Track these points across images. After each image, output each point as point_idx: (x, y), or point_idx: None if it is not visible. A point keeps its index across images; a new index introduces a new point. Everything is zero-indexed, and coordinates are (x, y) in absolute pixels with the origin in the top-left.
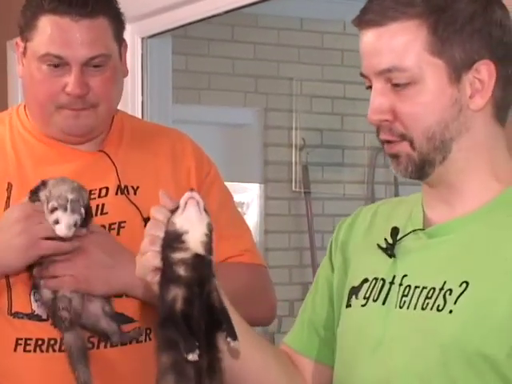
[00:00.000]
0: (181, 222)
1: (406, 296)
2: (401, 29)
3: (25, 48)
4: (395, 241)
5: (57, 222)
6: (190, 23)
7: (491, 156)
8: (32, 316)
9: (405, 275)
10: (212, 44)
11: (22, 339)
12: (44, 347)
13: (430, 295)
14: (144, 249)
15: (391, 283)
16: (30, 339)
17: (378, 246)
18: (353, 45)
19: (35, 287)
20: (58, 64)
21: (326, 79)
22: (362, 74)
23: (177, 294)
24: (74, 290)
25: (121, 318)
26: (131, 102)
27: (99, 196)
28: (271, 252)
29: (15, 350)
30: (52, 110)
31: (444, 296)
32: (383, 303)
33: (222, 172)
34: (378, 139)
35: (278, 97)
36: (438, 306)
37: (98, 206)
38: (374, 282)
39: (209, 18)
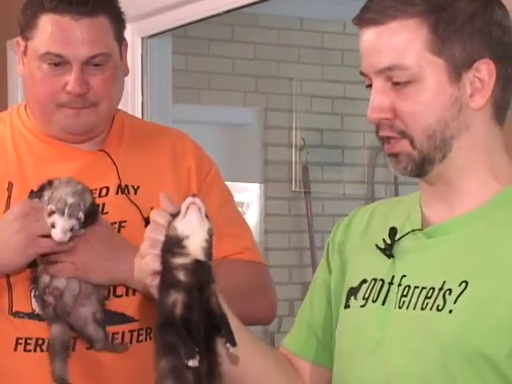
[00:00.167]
0: (182, 226)
1: (406, 296)
2: (401, 27)
3: (25, 47)
4: (393, 241)
5: (53, 225)
6: (190, 23)
7: (490, 156)
8: (32, 315)
9: (404, 275)
10: (212, 44)
11: (22, 339)
12: (44, 347)
13: (429, 295)
14: (143, 252)
15: (390, 284)
16: (31, 339)
17: (377, 246)
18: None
19: (35, 281)
20: (59, 63)
21: (326, 79)
22: (361, 73)
23: (176, 298)
24: (73, 276)
25: (121, 318)
26: (131, 101)
27: (100, 195)
28: (271, 252)
29: (15, 349)
30: (52, 109)
31: (444, 296)
32: (383, 304)
33: (222, 172)
34: (377, 137)
35: (278, 97)
36: (438, 305)
37: (98, 205)
38: (372, 282)
39: (209, 17)
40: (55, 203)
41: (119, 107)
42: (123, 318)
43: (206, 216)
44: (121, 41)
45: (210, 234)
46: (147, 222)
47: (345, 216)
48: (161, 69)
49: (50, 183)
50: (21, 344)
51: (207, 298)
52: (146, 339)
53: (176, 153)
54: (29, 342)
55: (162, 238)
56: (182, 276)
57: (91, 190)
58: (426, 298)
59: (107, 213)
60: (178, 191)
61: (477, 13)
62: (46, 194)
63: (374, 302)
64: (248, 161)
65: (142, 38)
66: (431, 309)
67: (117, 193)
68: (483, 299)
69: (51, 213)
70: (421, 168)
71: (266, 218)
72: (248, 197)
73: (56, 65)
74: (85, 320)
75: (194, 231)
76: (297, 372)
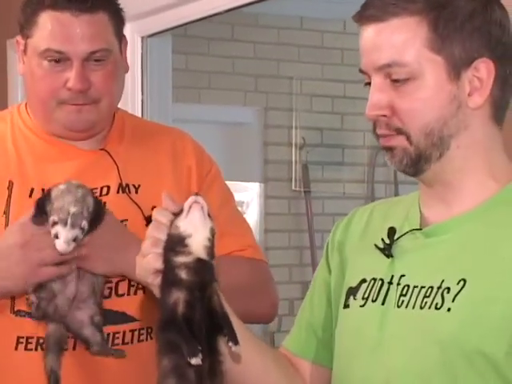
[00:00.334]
0: (184, 225)
1: (405, 296)
2: (401, 24)
3: (25, 45)
4: (392, 241)
5: (56, 236)
6: (190, 22)
7: (488, 155)
8: None
9: (403, 275)
10: (212, 43)
11: (23, 337)
12: (44, 346)
13: (428, 294)
14: (145, 250)
15: (390, 283)
16: (32, 338)
17: (376, 246)
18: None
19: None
20: (59, 59)
21: (326, 78)
22: (361, 70)
23: (178, 297)
24: (75, 266)
25: (122, 318)
26: (131, 100)
27: (100, 194)
28: (271, 251)
29: (16, 348)
30: (54, 106)
31: (442, 294)
32: (382, 303)
33: (222, 171)
34: (373, 134)
35: (278, 96)
36: (436, 304)
37: (101, 201)
38: (372, 282)
39: (209, 16)
40: (57, 213)
41: (119, 106)
42: (124, 318)
43: (209, 215)
44: (120, 37)
45: (213, 233)
46: (148, 220)
47: (345, 215)
48: (161, 68)
49: (48, 195)
50: (22, 343)
51: (209, 297)
52: (146, 339)
53: (176, 152)
54: (30, 340)
55: (163, 236)
56: (184, 275)
57: (92, 190)
58: (425, 296)
59: None
60: (178, 190)
61: (476, 11)
62: (48, 208)
63: (373, 301)
64: (248, 160)
65: (142, 37)
66: (430, 307)
67: (118, 192)
68: (481, 297)
69: (54, 223)
70: (417, 164)
71: (265, 217)
72: (248, 196)
73: (56, 61)
74: (81, 323)
75: (196, 230)
76: (297, 372)
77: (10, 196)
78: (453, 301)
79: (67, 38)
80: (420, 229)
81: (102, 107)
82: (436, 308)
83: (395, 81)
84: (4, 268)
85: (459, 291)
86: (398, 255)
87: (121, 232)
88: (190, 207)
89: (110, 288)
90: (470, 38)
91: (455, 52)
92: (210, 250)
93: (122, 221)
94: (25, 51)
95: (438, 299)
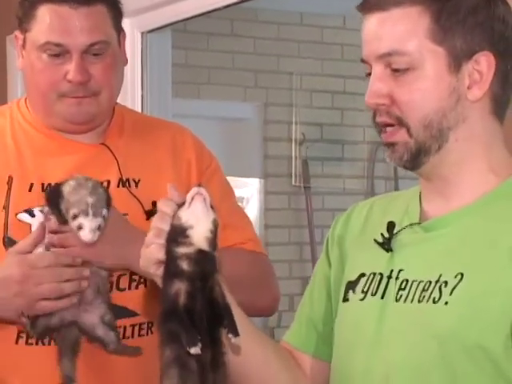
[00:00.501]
0: (186, 216)
1: (404, 290)
2: (403, 14)
3: (24, 39)
4: (391, 235)
5: (80, 227)
6: (190, 17)
7: (488, 149)
8: None
9: (401, 269)
10: (212, 38)
11: (23, 332)
12: (46, 340)
13: (426, 288)
14: (149, 241)
15: (389, 277)
16: None
17: (375, 240)
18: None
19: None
20: (59, 53)
21: (326, 74)
22: (362, 60)
23: (180, 288)
24: (83, 259)
25: (123, 312)
26: (131, 96)
27: None
28: (271, 247)
29: (17, 342)
30: (54, 99)
31: (440, 288)
32: (382, 297)
33: (222, 167)
34: (373, 125)
35: (278, 91)
36: (434, 298)
37: (109, 193)
38: (371, 276)
39: (208, 12)
40: (76, 206)
41: (119, 102)
42: (125, 312)
43: (212, 207)
44: (119, 30)
45: (215, 224)
46: (148, 214)
47: (345, 211)
48: (160, 63)
49: (59, 192)
50: (22, 337)
51: (211, 288)
52: (147, 333)
53: (176, 146)
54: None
55: (167, 227)
56: (185, 265)
57: (101, 183)
58: (423, 290)
59: None
60: (178, 184)
61: (480, 6)
62: (62, 206)
63: (373, 295)
64: (248, 156)
65: (142, 33)
66: (427, 301)
67: (118, 186)
68: (479, 291)
69: (75, 216)
70: (416, 158)
71: (265, 212)
72: (248, 192)
73: (56, 55)
74: (92, 325)
75: (198, 221)
76: (298, 364)
77: (9, 191)
78: (450, 294)
79: (66, 30)
80: (419, 223)
81: (102, 99)
82: (434, 302)
83: (395, 70)
84: (2, 297)
85: (456, 285)
86: (397, 249)
87: (125, 225)
88: (193, 198)
89: (111, 282)
90: (471, 32)
91: (457, 44)
92: (212, 241)
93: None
94: (24, 45)
95: (436, 293)
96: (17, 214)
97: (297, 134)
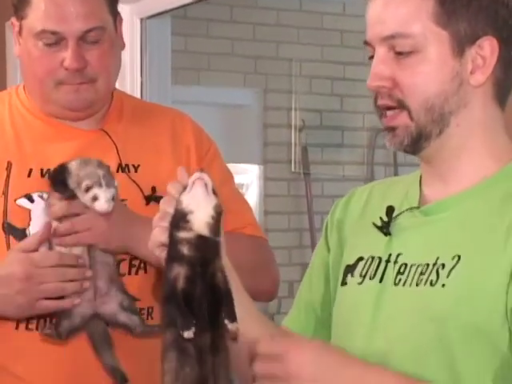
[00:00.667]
0: (187, 201)
1: (402, 274)
2: None
3: (20, 26)
4: (390, 219)
5: (95, 198)
6: (189, 4)
7: (488, 135)
8: None
9: (400, 253)
10: (211, 24)
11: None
12: (46, 326)
13: (423, 271)
14: (154, 223)
15: (387, 261)
16: (33, 318)
17: (374, 224)
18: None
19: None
20: (55, 41)
21: (326, 60)
22: (365, 42)
23: (179, 272)
24: (91, 244)
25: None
26: (130, 82)
27: None
28: (271, 233)
29: (17, 327)
30: (51, 87)
31: (437, 271)
32: (380, 281)
33: (222, 153)
34: (375, 108)
35: (278, 78)
36: (431, 280)
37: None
38: (370, 260)
39: None
40: (88, 178)
41: (118, 88)
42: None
43: (214, 192)
44: (115, 14)
45: (217, 210)
46: (148, 200)
47: (344, 197)
48: (160, 50)
49: (65, 169)
50: (22, 323)
51: (212, 274)
52: (147, 318)
53: (175, 131)
54: (31, 320)
55: (171, 210)
56: (185, 250)
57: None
58: (421, 274)
59: None
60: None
61: None
62: (72, 181)
63: (371, 279)
64: (247, 142)
65: (141, 19)
66: (425, 284)
67: (117, 171)
68: (475, 272)
69: (88, 189)
70: (417, 143)
71: (265, 199)
72: (247, 178)
73: (52, 44)
74: (113, 314)
75: (198, 206)
76: None
77: (8, 177)
78: (447, 277)
79: (61, 17)
80: (418, 207)
81: (100, 86)
82: (431, 285)
83: (399, 53)
84: (4, 294)
85: (453, 267)
86: (396, 233)
87: (125, 209)
88: (194, 183)
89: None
90: (475, 17)
91: (460, 28)
92: (213, 227)
93: (121, 200)
94: (20, 32)
95: (433, 276)
96: (16, 200)
97: (296, 120)
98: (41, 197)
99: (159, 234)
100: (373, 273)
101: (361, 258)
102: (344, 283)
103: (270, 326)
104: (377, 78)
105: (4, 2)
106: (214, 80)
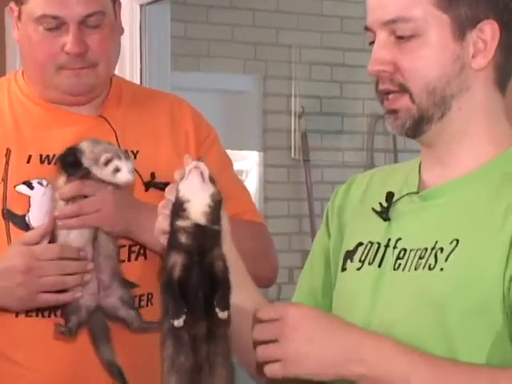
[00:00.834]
0: (183, 190)
1: (401, 259)
2: None
3: (19, 12)
4: (390, 204)
5: (117, 170)
6: None
7: (489, 120)
8: None
9: (399, 238)
10: (211, 11)
11: None
12: (46, 312)
13: (422, 255)
14: (159, 211)
15: (386, 246)
16: (33, 310)
17: (373, 209)
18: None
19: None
20: (56, 26)
21: (326, 46)
22: (366, 28)
23: (176, 260)
24: (98, 226)
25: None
26: (130, 69)
27: None
28: (270, 219)
29: (17, 315)
30: (52, 72)
31: (435, 255)
32: (379, 266)
33: (221, 139)
34: (376, 93)
35: (277, 64)
36: (430, 265)
37: None
38: (369, 245)
39: None
40: (108, 151)
41: (117, 74)
42: (125, 284)
43: (213, 181)
44: None
45: (214, 199)
46: (147, 186)
47: (344, 183)
48: (159, 36)
49: (76, 149)
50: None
51: (210, 263)
52: (147, 305)
53: (174, 116)
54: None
55: (173, 198)
56: (183, 238)
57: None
58: (420, 258)
59: None
60: (176, 155)
61: None
62: (87, 158)
63: (370, 264)
64: (247, 128)
65: (141, 5)
66: (423, 268)
67: None
68: (474, 256)
69: (108, 162)
70: (418, 126)
71: (265, 185)
72: (247, 165)
73: (53, 29)
74: (114, 308)
75: (194, 195)
76: None
77: (7, 163)
78: (445, 261)
79: (62, 1)
80: (417, 192)
81: (100, 70)
82: (429, 269)
83: (400, 38)
84: (5, 286)
85: (452, 251)
86: (395, 218)
87: (127, 192)
88: (190, 172)
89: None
90: (476, 0)
91: (461, 12)
92: (211, 216)
93: None
94: (19, 17)
95: (432, 260)
96: (15, 186)
97: (296, 106)
98: (40, 183)
99: (161, 221)
100: (372, 258)
101: (360, 244)
102: (344, 269)
103: None
104: (378, 63)
105: None
106: (213, 66)
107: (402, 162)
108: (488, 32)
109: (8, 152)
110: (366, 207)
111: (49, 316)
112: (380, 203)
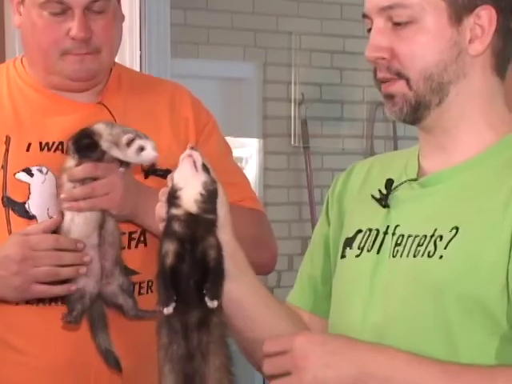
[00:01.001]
0: (177, 178)
1: (400, 245)
2: None
3: None
4: (389, 191)
5: (141, 149)
6: None
7: (487, 106)
8: None
9: (398, 225)
10: None
11: None
12: (46, 300)
13: (421, 243)
14: (159, 198)
15: (385, 233)
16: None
17: (372, 196)
18: None
19: None
20: (61, 11)
21: (325, 33)
22: (363, 15)
23: (169, 248)
24: (106, 209)
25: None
26: (129, 56)
27: None
28: (270, 207)
29: (17, 303)
30: (56, 57)
31: (435, 242)
32: (377, 253)
33: (221, 127)
34: (375, 82)
35: (277, 51)
36: (429, 252)
37: None
38: (367, 232)
39: None
40: (128, 132)
41: (117, 61)
42: (125, 271)
43: (207, 170)
44: None
45: (207, 187)
46: (146, 173)
47: (344, 171)
48: (159, 23)
49: (91, 132)
50: None
51: (202, 251)
52: (147, 292)
53: (174, 103)
54: None
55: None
56: (176, 227)
57: None
58: (419, 245)
59: None
60: (176, 142)
61: None
62: (105, 140)
63: (368, 251)
64: (247, 115)
65: None
66: (422, 255)
67: None
68: (474, 244)
69: (130, 142)
70: (416, 112)
71: (265, 172)
72: (247, 152)
73: (58, 14)
74: (113, 295)
75: (186, 184)
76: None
77: (7, 150)
78: (445, 248)
79: None
80: (416, 179)
81: (104, 56)
82: (428, 256)
83: (396, 24)
84: (3, 278)
85: (452, 239)
86: (394, 205)
87: (132, 176)
88: (183, 160)
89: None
90: None
91: None
92: (203, 204)
93: None
94: (22, 2)
95: (431, 247)
96: (15, 174)
97: (296, 93)
98: (40, 170)
99: (159, 208)
100: (371, 245)
101: (359, 231)
102: (343, 256)
103: (277, 303)
104: (375, 49)
105: None
106: (213, 53)
107: (401, 150)
108: (485, 17)
109: (8, 139)
110: (365, 194)
111: (49, 304)
112: (379, 190)
